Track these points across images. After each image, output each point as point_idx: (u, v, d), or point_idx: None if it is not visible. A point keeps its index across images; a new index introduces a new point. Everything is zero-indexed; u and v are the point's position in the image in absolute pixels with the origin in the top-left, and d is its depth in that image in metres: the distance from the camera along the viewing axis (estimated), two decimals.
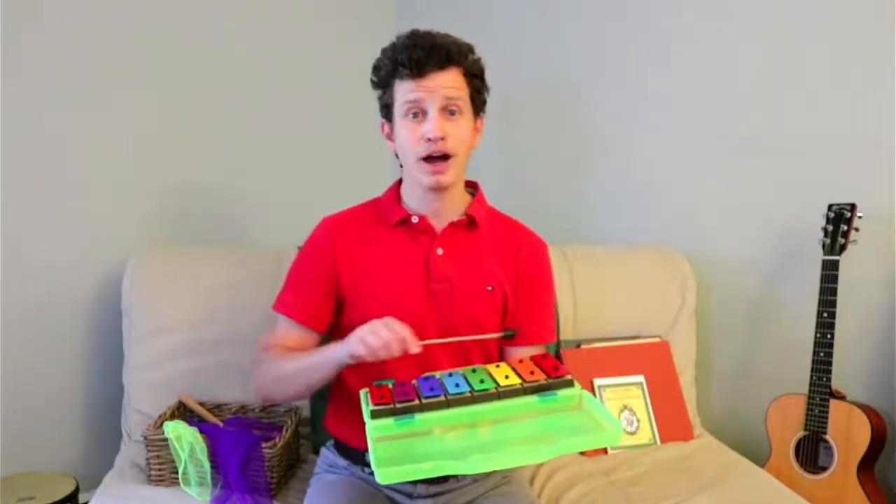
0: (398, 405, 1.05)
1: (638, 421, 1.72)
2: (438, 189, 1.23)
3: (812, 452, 1.66)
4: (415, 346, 1.09)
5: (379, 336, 1.07)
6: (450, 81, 1.19)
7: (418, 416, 1.05)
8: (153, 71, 1.93)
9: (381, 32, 2.39)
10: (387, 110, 1.25)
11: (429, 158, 1.19)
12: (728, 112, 1.89)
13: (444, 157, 1.19)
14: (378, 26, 2.41)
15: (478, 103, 1.26)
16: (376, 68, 1.24)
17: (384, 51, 1.24)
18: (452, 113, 1.20)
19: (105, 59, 1.84)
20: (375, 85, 1.26)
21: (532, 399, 1.08)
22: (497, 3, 2.28)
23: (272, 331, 1.31)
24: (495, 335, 1.25)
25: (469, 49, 1.24)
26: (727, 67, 1.88)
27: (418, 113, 1.19)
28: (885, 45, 1.63)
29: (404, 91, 1.19)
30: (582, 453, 1.65)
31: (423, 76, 1.18)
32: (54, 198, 1.80)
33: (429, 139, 1.17)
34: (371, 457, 0.96)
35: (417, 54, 1.17)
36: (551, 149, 2.24)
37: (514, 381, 1.10)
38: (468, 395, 1.07)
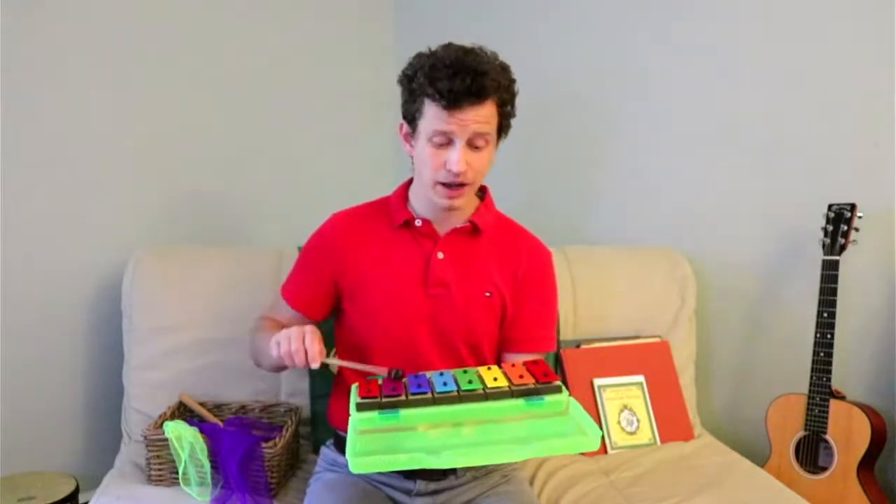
0: (384, 399, 1.07)
1: (638, 421, 1.72)
2: (450, 210, 1.25)
3: (812, 452, 1.66)
4: (315, 363, 1.13)
5: (289, 343, 1.13)
6: (483, 116, 1.16)
7: (403, 412, 1.06)
8: (153, 71, 1.93)
9: (380, 34, 2.43)
10: (412, 118, 1.22)
11: (445, 184, 1.20)
12: (728, 112, 1.89)
13: (461, 185, 1.20)
14: (378, 28, 2.41)
15: (503, 130, 1.24)
16: (409, 77, 1.20)
17: (421, 59, 1.19)
18: (477, 147, 1.19)
19: (105, 59, 1.84)
20: (404, 88, 1.22)
21: (519, 402, 1.08)
22: (499, 4, 2.28)
23: (272, 305, 1.39)
24: (381, 370, 1.17)
25: (507, 76, 1.20)
26: (727, 68, 1.88)
27: (444, 142, 1.18)
28: (885, 45, 1.63)
29: (435, 118, 1.16)
30: (582, 452, 1.65)
31: (458, 109, 1.14)
32: (55, 198, 1.80)
33: (449, 170, 1.17)
34: (348, 447, 0.97)
35: (457, 86, 1.12)
36: (552, 149, 2.24)
37: (503, 383, 1.11)
38: (455, 394, 1.08)
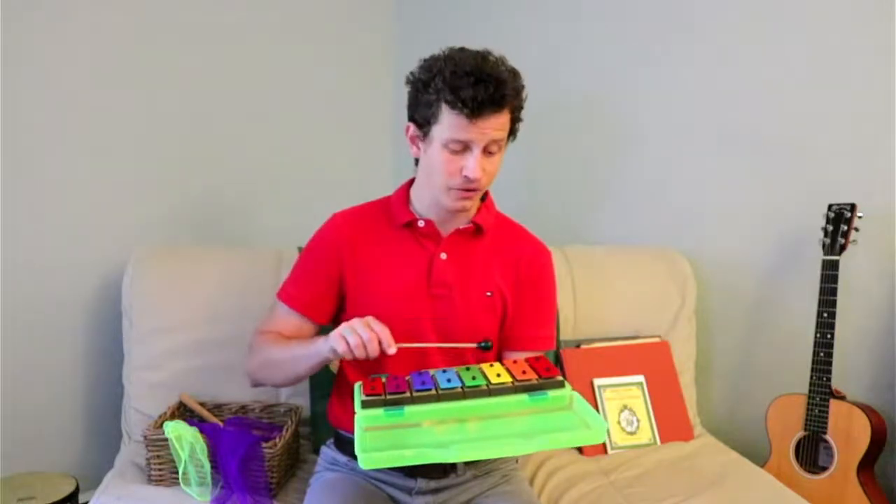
0: (389, 396, 1.08)
1: (638, 421, 1.72)
2: (461, 212, 1.26)
3: (812, 452, 1.66)
4: (391, 348, 1.10)
5: (358, 334, 1.09)
6: (500, 124, 1.18)
7: (408, 409, 1.07)
8: (153, 71, 1.93)
9: (381, 35, 2.43)
10: (424, 122, 1.20)
11: (458, 189, 1.20)
12: (728, 112, 1.89)
13: (474, 189, 1.21)
14: (378, 28, 2.42)
15: (513, 134, 1.26)
16: (424, 82, 1.18)
17: (437, 64, 1.17)
18: (491, 153, 1.20)
19: (105, 59, 1.84)
20: (417, 91, 1.20)
21: (522, 397, 1.09)
22: (499, 4, 2.28)
23: (270, 316, 1.34)
24: (471, 345, 1.23)
25: (520, 82, 1.21)
26: (727, 67, 1.88)
27: (461, 149, 1.18)
28: (885, 45, 1.63)
29: (455, 126, 1.15)
30: (581, 453, 1.65)
31: (479, 117, 1.15)
32: (54, 198, 1.80)
33: (466, 176, 1.18)
34: (357, 443, 0.98)
35: (480, 96, 1.12)
36: (552, 150, 2.24)
37: (506, 379, 1.11)
38: (459, 390, 1.09)
